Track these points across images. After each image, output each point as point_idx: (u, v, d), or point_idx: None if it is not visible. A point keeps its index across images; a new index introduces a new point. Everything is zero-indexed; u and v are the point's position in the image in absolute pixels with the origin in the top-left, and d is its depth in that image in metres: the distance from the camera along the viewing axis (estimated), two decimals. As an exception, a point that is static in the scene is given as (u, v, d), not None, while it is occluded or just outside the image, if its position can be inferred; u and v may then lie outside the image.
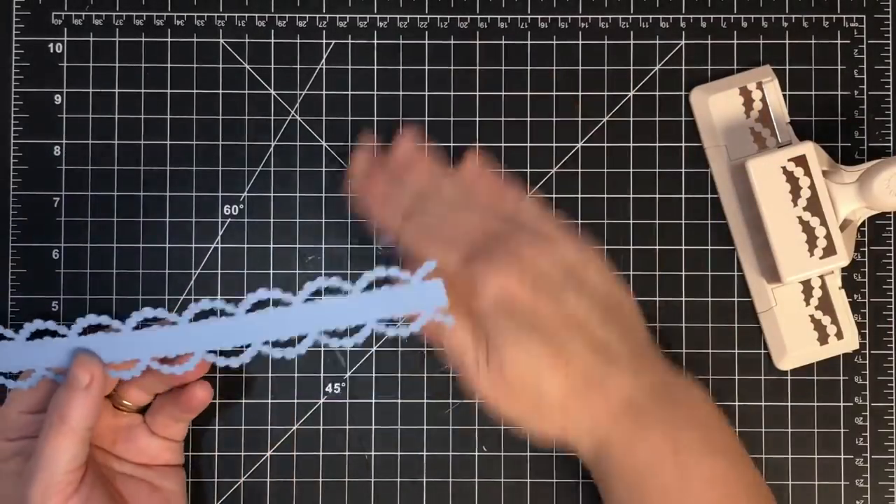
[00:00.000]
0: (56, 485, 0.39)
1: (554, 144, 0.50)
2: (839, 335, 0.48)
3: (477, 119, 0.50)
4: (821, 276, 0.48)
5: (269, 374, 0.49)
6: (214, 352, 0.42)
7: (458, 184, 0.44)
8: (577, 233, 0.46)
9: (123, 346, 0.41)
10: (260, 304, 0.41)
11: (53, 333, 0.41)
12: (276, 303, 0.41)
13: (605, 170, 0.49)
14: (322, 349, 0.49)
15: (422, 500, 0.49)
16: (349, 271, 0.49)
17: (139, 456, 0.45)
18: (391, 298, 0.40)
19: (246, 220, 0.49)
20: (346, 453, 0.49)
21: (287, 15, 0.50)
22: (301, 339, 0.41)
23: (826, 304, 0.48)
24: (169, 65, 0.50)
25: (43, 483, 0.39)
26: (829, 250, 0.46)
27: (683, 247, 0.49)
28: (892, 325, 0.49)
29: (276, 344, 0.41)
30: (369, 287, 0.40)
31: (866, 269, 0.49)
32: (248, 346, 0.41)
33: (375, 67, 0.50)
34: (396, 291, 0.40)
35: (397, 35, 0.50)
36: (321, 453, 0.49)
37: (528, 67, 0.50)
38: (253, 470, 0.49)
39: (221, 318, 0.41)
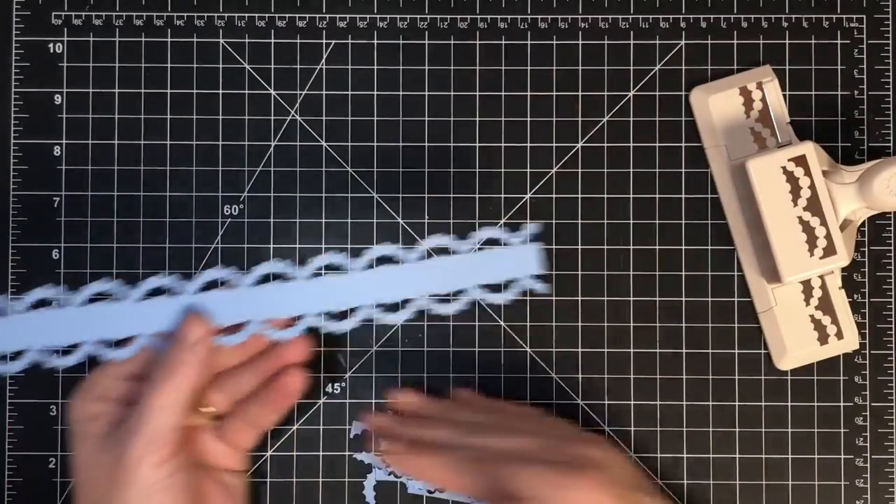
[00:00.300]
0: (157, 441, 0.39)
1: (554, 144, 0.50)
2: (839, 335, 0.48)
3: (477, 119, 0.50)
4: (821, 276, 0.48)
5: (269, 374, 0.49)
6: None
7: (483, 409, 0.45)
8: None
9: (237, 303, 0.42)
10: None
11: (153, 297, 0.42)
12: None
13: (605, 170, 0.49)
14: (322, 351, 0.49)
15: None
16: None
17: (203, 457, 0.45)
18: (490, 261, 0.42)
19: (246, 220, 0.49)
20: (346, 453, 0.49)
21: (287, 15, 0.50)
22: (405, 303, 0.42)
23: (826, 304, 0.48)
24: (169, 65, 0.50)
25: (144, 438, 0.39)
26: (829, 250, 0.46)
27: (683, 247, 0.49)
28: (892, 325, 0.49)
29: (383, 308, 0.43)
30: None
31: (866, 269, 0.49)
32: (354, 309, 0.42)
33: (375, 67, 0.50)
34: (495, 254, 0.42)
35: (397, 35, 0.50)
36: (321, 453, 0.49)
37: (528, 67, 0.50)
38: (253, 470, 0.49)
39: (335, 276, 0.42)
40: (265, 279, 0.42)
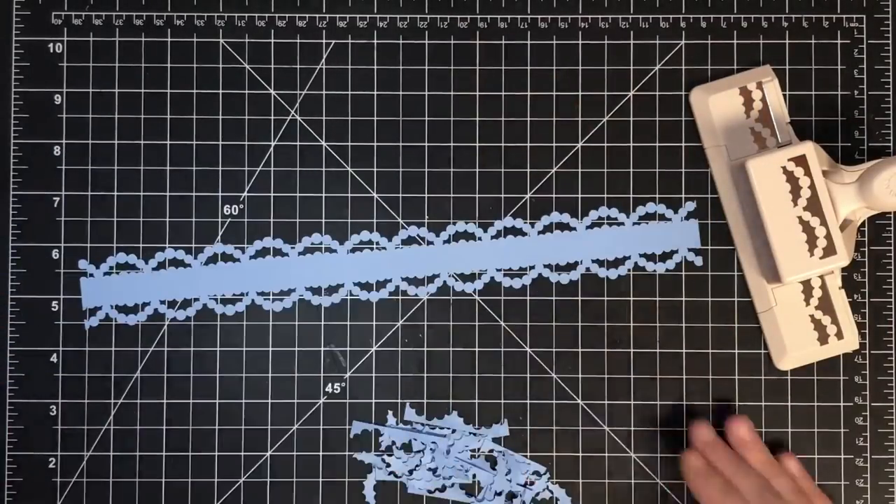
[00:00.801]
0: None
1: (554, 144, 0.50)
2: (839, 335, 0.48)
3: (477, 119, 0.50)
4: (821, 276, 0.48)
5: (269, 375, 0.49)
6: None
7: (774, 469, 0.46)
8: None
9: (428, 259, 0.48)
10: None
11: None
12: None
13: (605, 170, 0.49)
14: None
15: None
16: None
17: None
18: (652, 232, 0.47)
19: (246, 220, 0.49)
20: (346, 453, 0.49)
21: (287, 15, 0.50)
22: (575, 264, 0.48)
23: (826, 304, 0.48)
24: (169, 65, 0.50)
25: None
26: (829, 250, 0.46)
27: (683, 247, 0.49)
28: (892, 325, 0.49)
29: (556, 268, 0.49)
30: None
31: (866, 269, 0.49)
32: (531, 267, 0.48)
33: (375, 67, 0.50)
34: (657, 227, 0.47)
35: (397, 35, 0.50)
36: (321, 453, 0.49)
37: (528, 67, 0.50)
38: (253, 470, 0.49)
39: (516, 238, 0.48)
40: (455, 238, 0.48)
